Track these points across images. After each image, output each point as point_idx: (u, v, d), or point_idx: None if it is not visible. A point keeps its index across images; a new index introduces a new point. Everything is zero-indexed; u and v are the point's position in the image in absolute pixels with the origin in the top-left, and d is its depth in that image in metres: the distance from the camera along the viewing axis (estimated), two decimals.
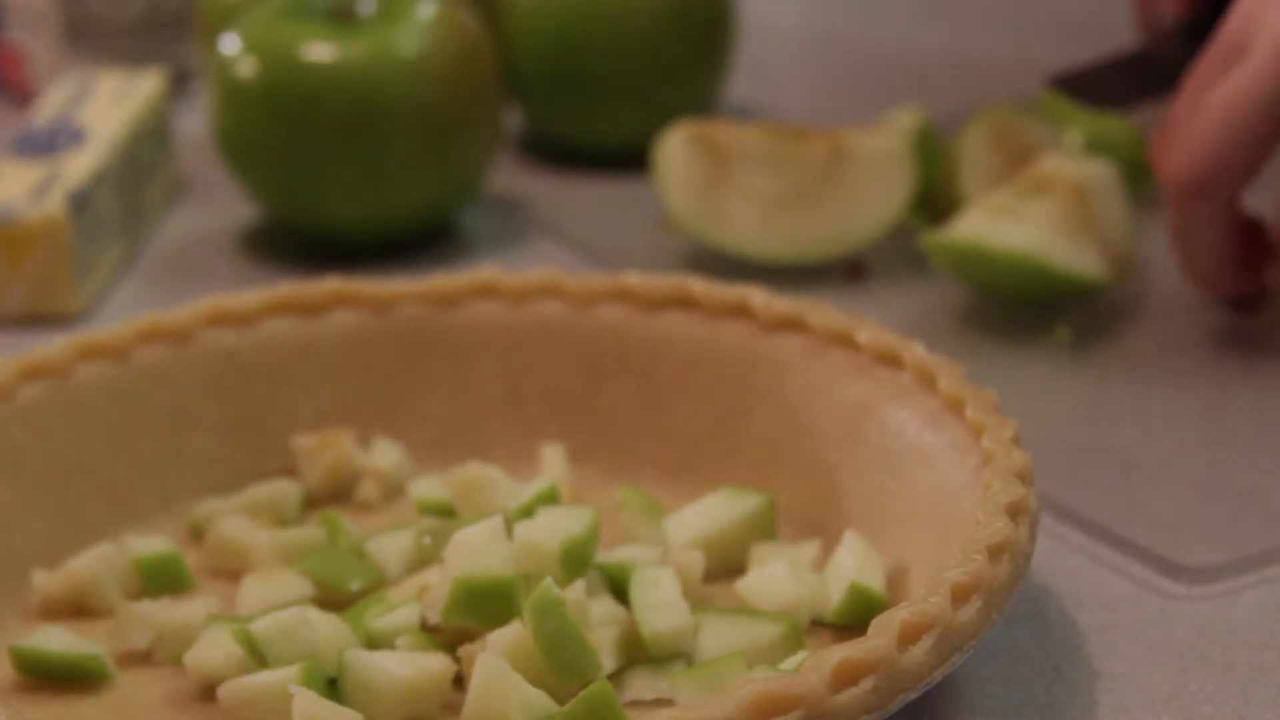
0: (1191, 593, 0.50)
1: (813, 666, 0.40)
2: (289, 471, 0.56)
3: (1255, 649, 0.48)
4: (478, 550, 0.46)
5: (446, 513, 0.53)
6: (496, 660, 0.44)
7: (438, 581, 0.47)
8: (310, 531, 0.52)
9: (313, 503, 0.55)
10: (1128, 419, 0.59)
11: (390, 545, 0.51)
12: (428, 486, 0.54)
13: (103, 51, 0.87)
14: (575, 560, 0.47)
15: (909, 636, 0.41)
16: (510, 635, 0.45)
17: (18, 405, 0.53)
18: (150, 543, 0.52)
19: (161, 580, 0.51)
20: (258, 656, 0.46)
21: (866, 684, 0.40)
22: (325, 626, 0.47)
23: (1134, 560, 0.52)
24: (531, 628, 0.44)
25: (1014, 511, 0.45)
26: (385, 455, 0.56)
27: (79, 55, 0.87)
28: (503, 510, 0.50)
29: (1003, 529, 0.44)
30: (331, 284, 0.57)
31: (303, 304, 0.57)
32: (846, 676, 0.40)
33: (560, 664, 0.44)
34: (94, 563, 0.50)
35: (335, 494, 0.55)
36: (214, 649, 0.46)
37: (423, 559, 0.50)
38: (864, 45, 0.95)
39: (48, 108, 0.76)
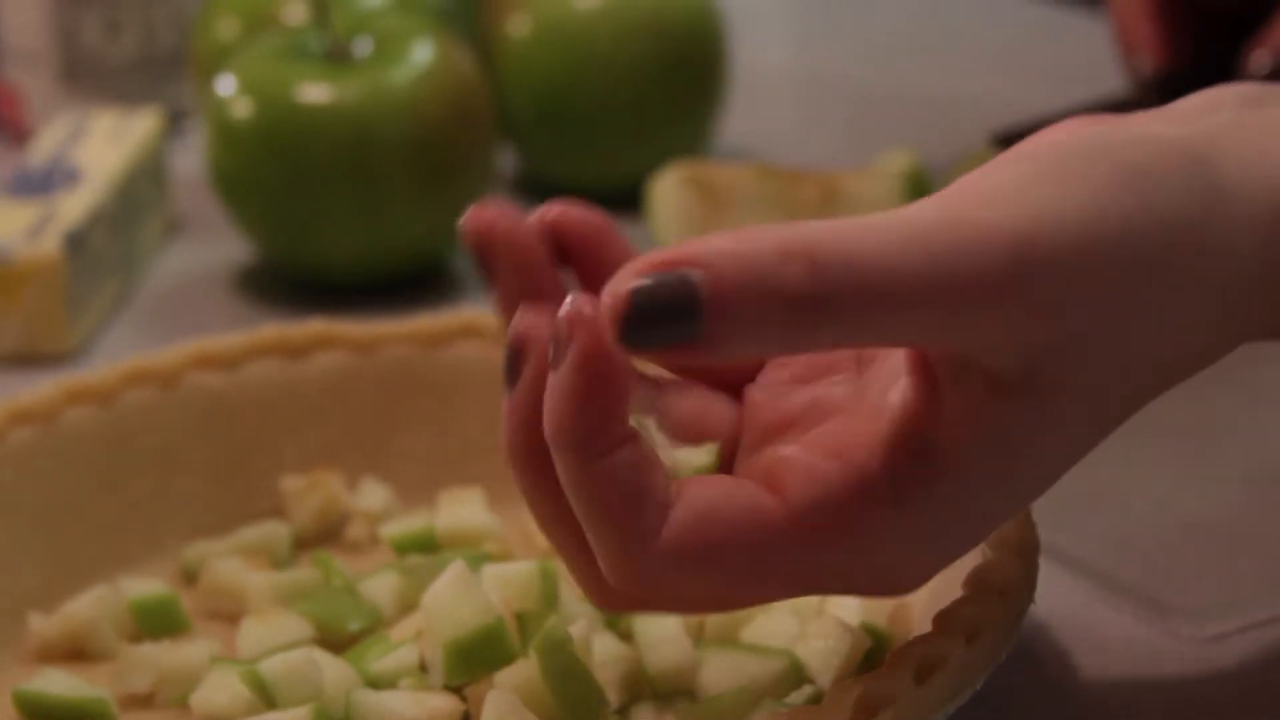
0: (1183, 635, 0.50)
1: (835, 701, 0.41)
2: (277, 513, 0.56)
3: (1247, 692, 0.48)
4: (453, 605, 0.46)
5: (426, 545, 0.53)
6: (507, 696, 0.44)
7: (427, 638, 0.47)
8: (305, 573, 0.52)
9: (302, 544, 0.55)
10: (1120, 461, 0.59)
11: (381, 585, 0.51)
12: (397, 525, 0.54)
13: (98, 91, 0.87)
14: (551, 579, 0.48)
15: (924, 673, 0.42)
16: (518, 674, 0.45)
17: (7, 449, 0.53)
18: (145, 585, 0.52)
19: (158, 623, 0.51)
20: (266, 698, 0.46)
21: (885, 717, 0.40)
22: (331, 667, 0.47)
23: (1126, 602, 0.52)
24: (540, 666, 0.45)
25: (1020, 548, 0.45)
26: (373, 496, 0.56)
27: (74, 94, 0.87)
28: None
29: (1011, 565, 0.44)
30: (316, 326, 0.57)
31: (287, 346, 0.57)
32: (867, 710, 0.41)
33: (568, 701, 0.45)
34: (90, 606, 0.51)
35: (324, 535, 0.56)
36: (220, 691, 0.47)
37: (415, 597, 0.51)
38: (856, 87, 0.96)
39: (43, 147, 0.76)
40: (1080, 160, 0.40)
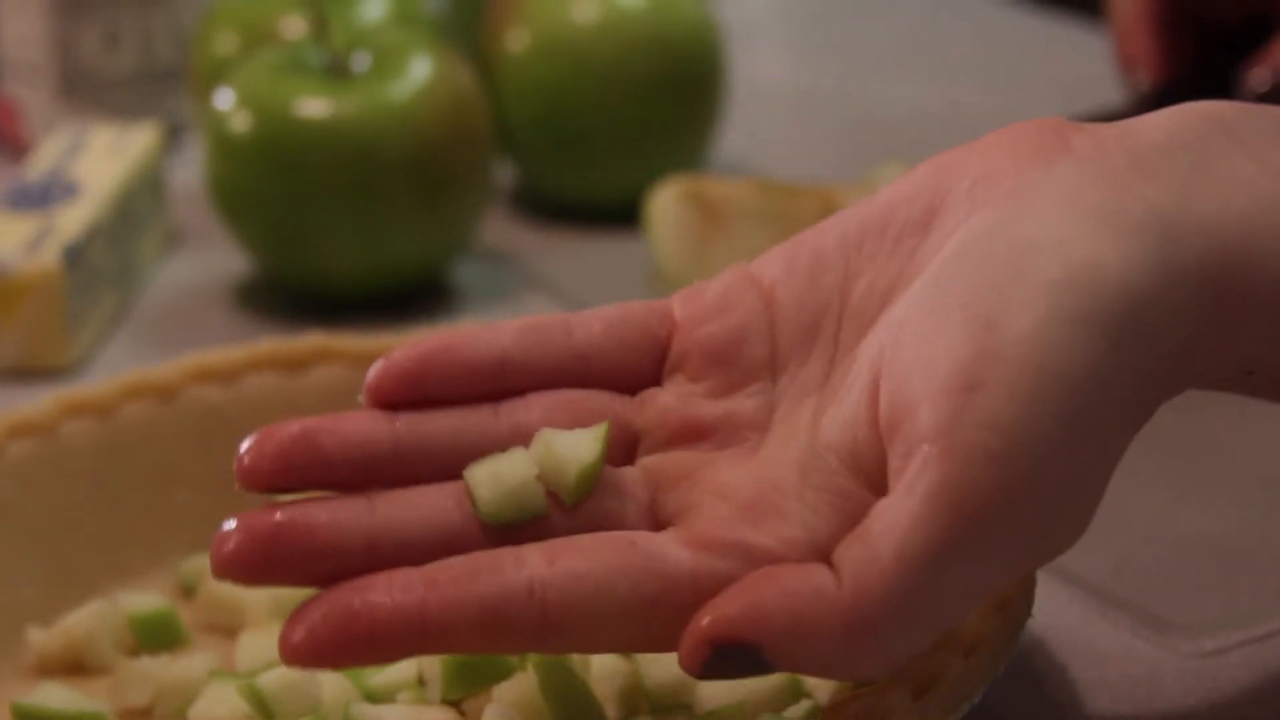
0: (1180, 649, 0.50)
1: (833, 715, 0.41)
2: None
3: (1244, 707, 0.48)
4: None
5: None
6: (505, 711, 0.44)
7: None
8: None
9: None
10: (1118, 476, 0.59)
11: None
12: None
13: (97, 105, 0.87)
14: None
15: (923, 687, 0.42)
16: (516, 688, 0.45)
17: (6, 462, 0.53)
18: (144, 599, 0.52)
19: (157, 636, 0.51)
20: (265, 712, 0.46)
21: None
22: (329, 681, 0.47)
23: (1123, 616, 0.52)
24: (538, 679, 0.45)
25: None
26: None
27: (73, 108, 0.87)
28: None
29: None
30: (314, 339, 0.57)
31: (286, 359, 0.57)
32: None
33: (566, 715, 0.45)
34: (89, 619, 0.51)
35: None
36: (218, 705, 0.47)
37: None
38: (853, 102, 0.96)
39: (42, 160, 0.77)
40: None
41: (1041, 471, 0.39)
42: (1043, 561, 0.41)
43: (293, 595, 0.52)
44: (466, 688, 0.46)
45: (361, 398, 0.44)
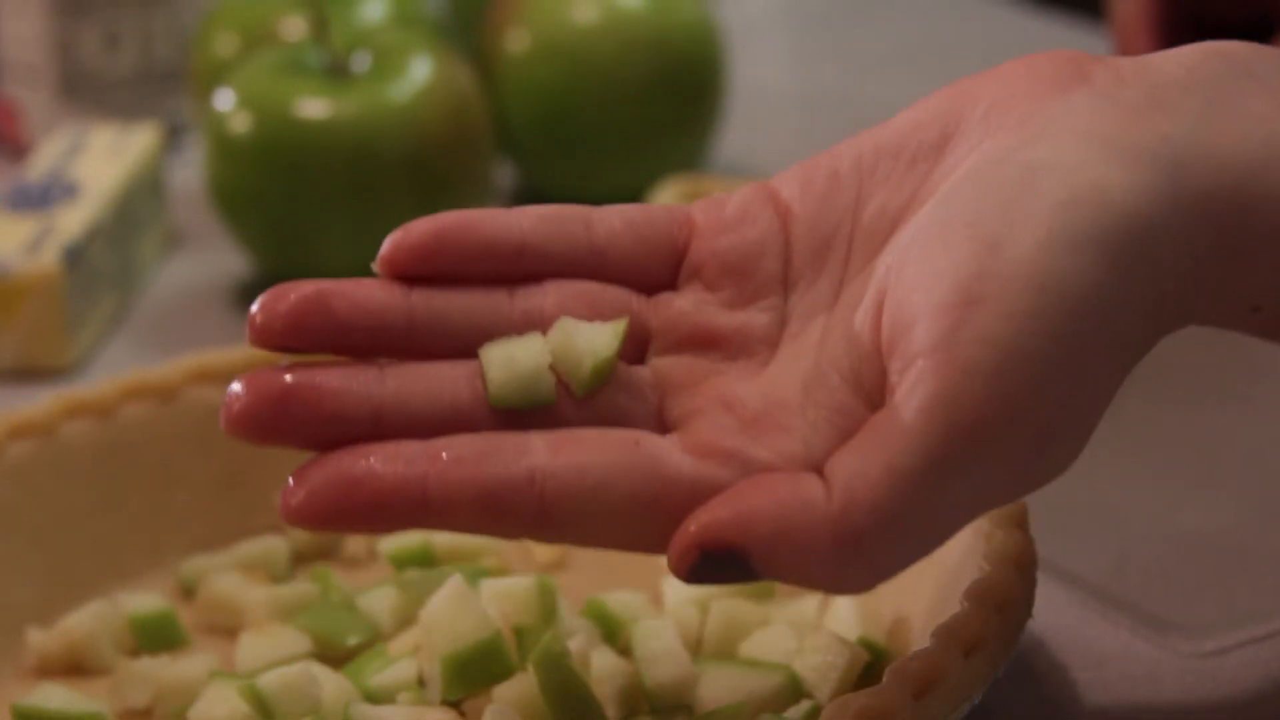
0: (1181, 649, 0.50)
1: (833, 716, 0.41)
2: (276, 527, 0.56)
3: (1244, 707, 0.48)
4: (451, 619, 0.46)
5: (424, 560, 0.53)
6: (505, 711, 0.44)
7: (426, 653, 0.47)
8: (303, 587, 0.52)
9: (300, 558, 0.55)
10: (1117, 475, 0.59)
11: (379, 600, 0.51)
12: (396, 540, 0.54)
13: (97, 105, 0.87)
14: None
15: (923, 687, 0.42)
16: (516, 688, 0.45)
17: (6, 463, 0.53)
18: (144, 600, 0.52)
19: (156, 637, 0.51)
20: (265, 712, 0.46)
21: None
22: (329, 682, 0.47)
23: (1123, 616, 0.52)
24: (538, 680, 0.45)
25: (1019, 561, 0.45)
26: None
27: (73, 109, 0.87)
28: None
29: (1009, 579, 0.44)
30: None
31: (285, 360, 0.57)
32: None
33: (566, 716, 0.45)
34: (89, 620, 0.51)
35: (323, 549, 0.56)
36: (218, 705, 0.47)
37: (413, 611, 0.51)
38: (852, 103, 0.96)
39: (41, 161, 0.77)
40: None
41: (1036, 389, 0.39)
42: (1034, 485, 0.41)
43: (293, 596, 0.52)
44: (466, 688, 0.46)
45: (375, 265, 0.44)
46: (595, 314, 0.43)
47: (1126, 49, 0.76)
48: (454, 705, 0.46)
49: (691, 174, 0.77)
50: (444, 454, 0.40)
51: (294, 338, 0.42)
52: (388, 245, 0.43)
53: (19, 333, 0.68)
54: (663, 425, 0.43)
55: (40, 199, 0.73)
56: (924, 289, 0.40)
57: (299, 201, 0.70)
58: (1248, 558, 0.54)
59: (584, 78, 0.78)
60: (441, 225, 0.44)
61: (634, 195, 0.75)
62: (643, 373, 0.43)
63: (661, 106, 0.78)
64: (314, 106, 0.70)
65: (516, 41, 0.79)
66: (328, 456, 0.41)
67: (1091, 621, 0.52)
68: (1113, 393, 0.41)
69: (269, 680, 0.46)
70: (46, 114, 0.87)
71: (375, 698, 0.47)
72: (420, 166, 0.71)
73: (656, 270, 0.45)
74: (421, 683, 0.47)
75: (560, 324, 0.42)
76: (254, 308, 0.42)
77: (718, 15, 0.82)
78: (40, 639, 0.51)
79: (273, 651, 0.49)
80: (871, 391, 0.41)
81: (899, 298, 0.40)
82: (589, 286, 0.44)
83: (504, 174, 0.81)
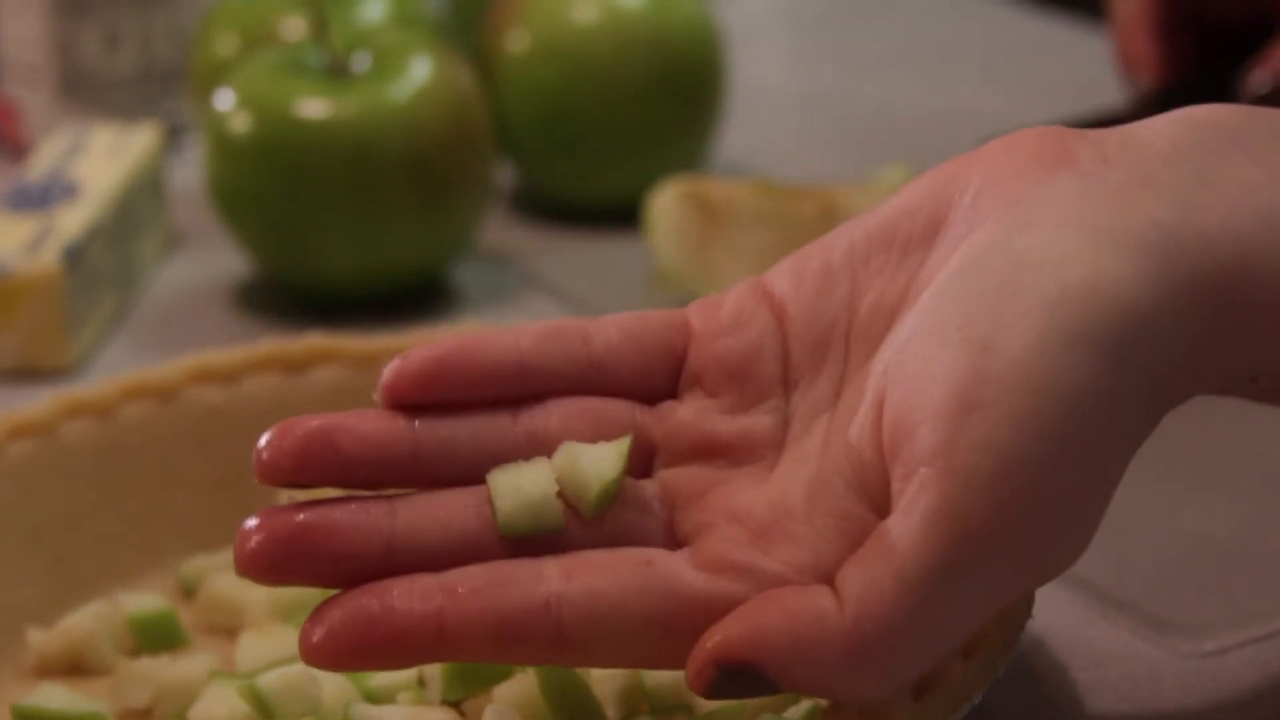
0: (1181, 650, 0.50)
1: (832, 716, 0.41)
2: None
3: (1244, 708, 0.48)
4: None
5: None
6: (506, 711, 0.44)
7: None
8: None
9: None
10: None
11: None
12: None
13: (97, 105, 0.87)
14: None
15: (923, 687, 0.42)
16: (516, 688, 0.45)
17: (6, 463, 0.53)
18: (144, 600, 0.52)
19: (156, 637, 0.51)
20: (265, 712, 0.46)
21: None
22: (329, 682, 0.47)
23: (1124, 617, 0.52)
24: (538, 680, 0.45)
25: None
26: None
27: (73, 109, 0.87)
28: None
29: None
30: (315, 340, 0.57)
31: (286, 360, 0.57)
32: None
33: (567, 716, 0.45)
34: (89, 620, 0.51)
35: None
36: (218, 705, 0.47)
37: None
38: (853, 103, 0.96)
39: (41, 161, 0.77)
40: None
41: (1038, 492, 0.39)
42: (1043, 580, 0.42)
43: (293, 596, 0.52)
44: (466, 688, 0.46)
45: (376, 396, 0.44)
46: (599, 431, 0.43)
47: (1126, 49, 0.76)
48: (454, 705, 0.46)
49: (691, 174, 0.77)
50: (459, 587, 0.40)
51: (301, 474, 0.42)
52: (389, 374, 0.44)
53: (19, 333, 0.68)
54: (673, 538, 0.43)
55: (40, 199, 0.73)
56: (922, 393, 0.40)
57: (299, 201, 0.70)
58: (1247, 559, 0.54)
59: (584, 78, 0.78)
60: (441, 353, 0.44)
61: (634, 195, 0.75)
62: (650, 487, 0.44)
63: (661, 106, 0.78)
64: (314, 106, 0.70)
65: (516, 41, 0.79)
66: (345, 595, 0.41)
67: (1091, 622, 0.52)
68: (1117, 481, 0.41)
69: (269, 680, 0.46)
70: (46, 114, 0.87)
71: (375, 697, 0.47)
72: (420, 166, 0.71)
73: (657, 379, 0.45)
74: (421, 682, 0.47)
75: (565, 448, 0.43)
76: (260, 444, 0.42)
77: (718, 15, 0.82)
78: (40, 639, 0.51)
79: (273, 651, 0.49)
80: (876, 496, 0.41)
81: (898, 402, 0.40)
82: (592, 403, 0.44)
83: (504, 174, 0.81)
